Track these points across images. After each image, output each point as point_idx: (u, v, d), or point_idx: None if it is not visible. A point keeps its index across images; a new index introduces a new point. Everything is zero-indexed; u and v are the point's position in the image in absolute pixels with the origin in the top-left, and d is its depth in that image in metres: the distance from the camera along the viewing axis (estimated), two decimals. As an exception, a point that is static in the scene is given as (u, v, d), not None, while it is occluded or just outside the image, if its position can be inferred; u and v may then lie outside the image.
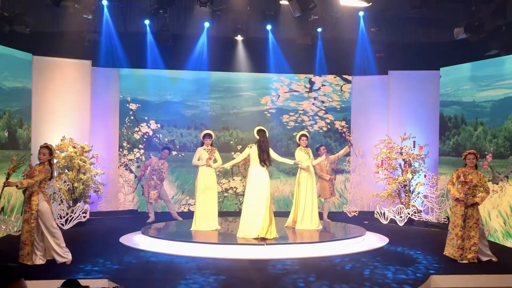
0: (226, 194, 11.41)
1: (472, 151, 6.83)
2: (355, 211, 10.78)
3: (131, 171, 11.08)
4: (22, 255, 6.17)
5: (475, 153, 6.79)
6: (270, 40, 11.10)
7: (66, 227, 8.75)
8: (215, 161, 8.67)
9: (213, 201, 8.51)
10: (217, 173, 11.25)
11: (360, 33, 10.63)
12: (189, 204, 11.07)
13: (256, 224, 7.61)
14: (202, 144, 8.70)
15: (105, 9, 10.06)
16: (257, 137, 7.92)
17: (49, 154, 6.33)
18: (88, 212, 9.45)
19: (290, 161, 8.48)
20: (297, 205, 8.72)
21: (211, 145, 8.70)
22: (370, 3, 7.92)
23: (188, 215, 9.82)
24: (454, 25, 9.11)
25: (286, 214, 9.79)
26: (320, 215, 9.53)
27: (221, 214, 10.45)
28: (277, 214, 10.29)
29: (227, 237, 8.21)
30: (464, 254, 6.59)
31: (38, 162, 6.38)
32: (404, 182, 9.81)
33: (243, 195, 10.19)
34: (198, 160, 8.59)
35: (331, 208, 11.18)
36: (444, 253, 6.78)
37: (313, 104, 11.68)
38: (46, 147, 6.35)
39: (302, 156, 8.69)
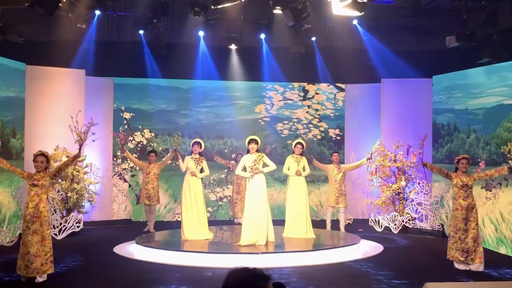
0: (220, 203, 11.39)
1: (466, 156, 6.91)
2: (350, 219, 10.76)
3: (125, 180, 11.04)
4: (35, 268, 5.86)
5: (468, 158, 6.88)
6: (264, 49, 11.15)
7: (59, 237, 8.68)
8: (202, 170, 8.64)
9: (200, 211, 8.46)
10: (211, 181, 11.26)
11: (353, 42, 10.70)
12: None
13: (264, 231, 7.74)
14: (191, 153, 8.70)
15: (99, 19, 10.06)
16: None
17: (46, 162, 6.13)
18: (81, 222, 9.39)
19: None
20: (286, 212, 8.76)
21: (200, 154, 8.67)
22: (363, 12, 7.97)
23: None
24: (446, 34, 9.19)
25: (280, 222, 9.78)
26: (324, 223, 9.73)
27: (216, 223, 10.43)
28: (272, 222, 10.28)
29: (222, 246, 8.18)
30: (469, 256, 6.61)
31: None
32: (398, 189, 9.84)
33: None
34: (186, 169, 8.59)
35: (324, 216, 11.18)
36: (447, 257, 6.77)
37: (307, 112, 11.72)
38: (42, 154, 6.11)
39: (291, 163, 8.73)
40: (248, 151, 8.04)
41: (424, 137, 7.41)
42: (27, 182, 6.05)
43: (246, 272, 2.03)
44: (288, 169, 8.82)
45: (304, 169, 8.78)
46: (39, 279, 5.92)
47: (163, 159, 9.89)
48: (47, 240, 5.99)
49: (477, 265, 6.61)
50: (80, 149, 6.54)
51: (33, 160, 6.13)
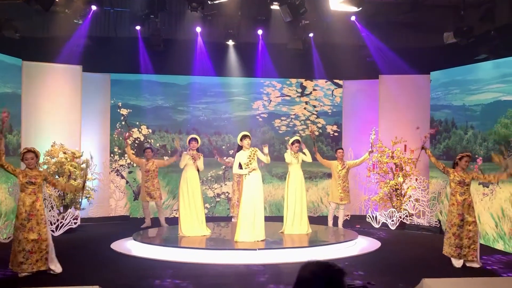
0: (218, 199, 11.38)
1: (469, 154, 6.88)
2: (347, 215, 10.76)
3: (122, 177, 11.02)
4: (31, 263, 5.91)
5: (471, 156, 6.86)
6: (261, 45, 11.12)
7: (56, 234, 8.66)
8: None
9: (198, 207, 8.45)
10: (209, 178, 11.26)
11: (351, 38, 10.68)
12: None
13: (261, 227, 7.76)
14: (188, 149, 8.68)
15: (95, 14, 10.01)
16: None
17: (36, 157, 6.10)
18: (79, 218, 9.38)
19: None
20: (286, 209, 8.72)
21: (197, 150, 8.66)
22: (360, 8, 7.96)
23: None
24: (444, 30, 9.19)
25: (278, 218, 9.78)
26: (322, 219, 9.73)
27: (213, 219, 10.44)
28: (269, 218, 10.31)
29: (219, 243, 8.18)
30: (462, 253, 6.60)
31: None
32: (395, 186, 9.84)
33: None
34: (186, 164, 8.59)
35: (322, 212, 11.20)
36: (443, 252, 6.78)
37: (304, 108, 11.71)
38: (30, 151, 6.07)
39: (291, 159, 8.69)
40: (239, 148, 8.00)
41: (437, 128, 7.30)
42: (22, 180, 6.00)
43: (320, 266, 2.00)
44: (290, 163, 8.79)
45: (305, 154, 8.78)
46: (56, 270, 6.04)
47: (165, 161, 9.86)
48: (44, 238, 5.98)
49: (473, 262, 6.61)
50: (84, 185, 7.05)
51: (22, 159, 6.09)
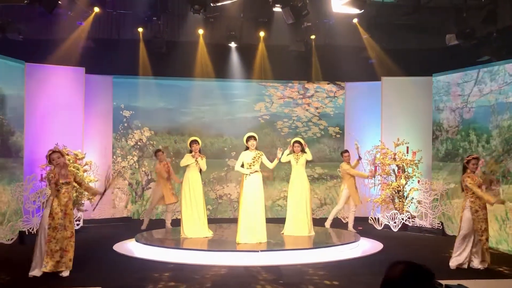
0: (220, 201, 11.39)
1: (476, 156, 6.78)
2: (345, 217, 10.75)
3: (124, 179, 11.03)
4: (64, 262, 6.03)
5: (478, 157, 6.82)
6: (263, 47, 11.14)
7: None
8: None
9: (200, 209, 8.44)
10: (211, 179, 11.27)
11: (353, 40, 10.68)
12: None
13: (262, 229, 7.78)
14: (191, 151, 8.67)
15: (98, 16, 10.05)
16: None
17: (62, 156, 6.23)
18: (81, 220, 9.39)
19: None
20: (288, 210, 8.72)
21: (199, 151, 8.66)
22: (362, 10, 7.97)
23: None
24: (446, 32, 9.19)
25: (279, 220, 9.78)
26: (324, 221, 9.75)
27: (216, 220, 10.44)
28: (270, 220, 10.32)
29: (221, 244, 8.18)
30: (479, 258, 6.55)
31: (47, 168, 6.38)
32: (398, 187, 9.84)
33: (237, 201, 10.19)
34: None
35: (324, 214, 11.19)
36: (463, 265, 6.55)
37: (306, 110, 11.72)
38: (56, 151, 6.23)
39: (286, 158, 8.68)
40: (246, 149, 8.04)
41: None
42: (58, 180, 6.04)
43: (410, 267, 1.98)
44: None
45: (305, 152, 8.71)
46: (64, 274, 6.04)
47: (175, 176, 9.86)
48: (73, 236, 6.15)
49: (483, 263, 6.58)
50: (103, 193, 7.69)
51: (51, 161, 6.14)
